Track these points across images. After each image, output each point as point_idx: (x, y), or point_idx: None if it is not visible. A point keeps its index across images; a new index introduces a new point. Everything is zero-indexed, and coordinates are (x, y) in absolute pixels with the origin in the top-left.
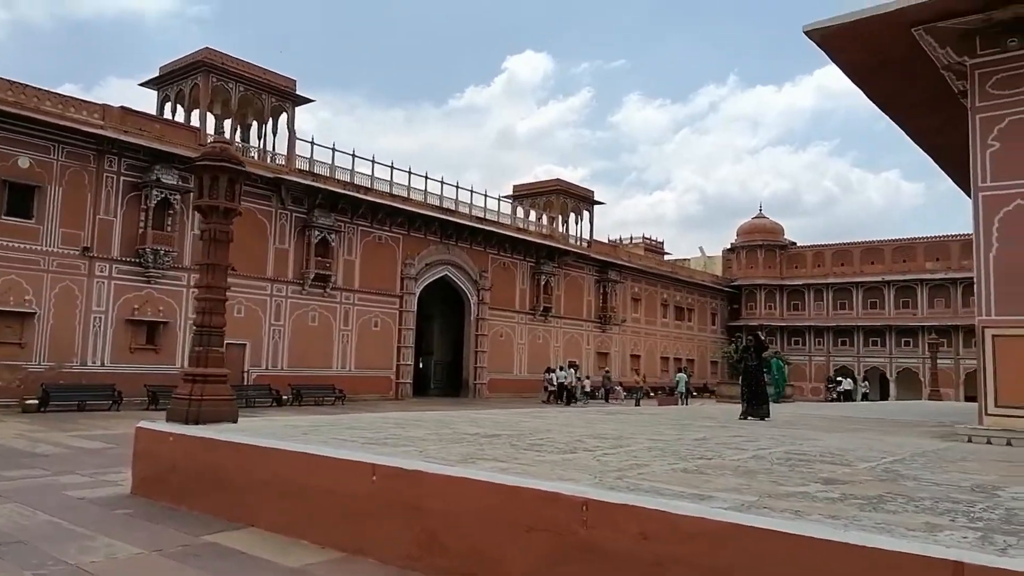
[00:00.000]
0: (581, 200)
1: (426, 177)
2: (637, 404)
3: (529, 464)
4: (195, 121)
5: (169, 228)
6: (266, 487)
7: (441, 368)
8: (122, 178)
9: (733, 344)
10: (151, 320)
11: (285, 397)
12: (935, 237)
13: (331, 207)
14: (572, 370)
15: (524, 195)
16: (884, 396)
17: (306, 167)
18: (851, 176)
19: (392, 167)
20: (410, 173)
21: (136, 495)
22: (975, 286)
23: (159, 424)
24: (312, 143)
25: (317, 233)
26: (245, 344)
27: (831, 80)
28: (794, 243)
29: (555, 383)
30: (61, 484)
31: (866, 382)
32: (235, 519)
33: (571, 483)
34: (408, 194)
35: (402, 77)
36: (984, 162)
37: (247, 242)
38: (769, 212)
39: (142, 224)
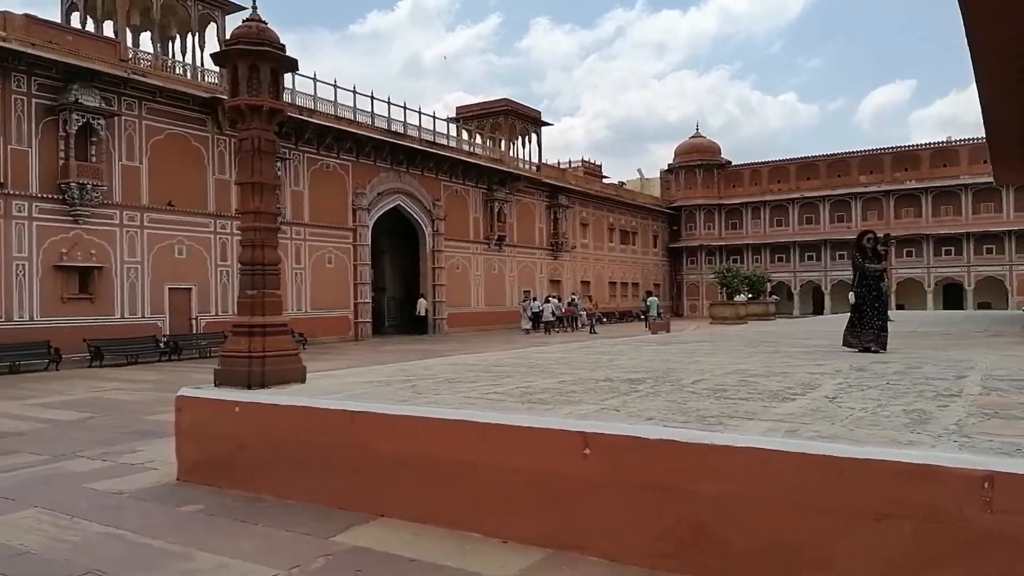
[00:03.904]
0: (529, 121)
1: (371, 97)
2: (592, 331)
3: (794, 420)
4: (108, 34)
5: (94, 158)
6: (401, 467)
7: (395, 304)
8: (34, 100)
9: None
10: (83, 265)
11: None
12: (869, 151)
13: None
14: (557, 300)
15: (469, 116)
16: (819, 310)
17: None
18: (751, 99)
19: (335, 86)
20: (355, 93)
21: (187, 482)
22: None
23: (211, 391)
24: None
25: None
26: (191, 288)
27: (734, 3)
28: (730, 162)
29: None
30: (73, 473)
31: (774, 296)
32: (351, 507)
33: (945, 450)
34: (354, 116)
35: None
36: None
37: (183, 173)
38: (677, 136)
39: (63, 154)
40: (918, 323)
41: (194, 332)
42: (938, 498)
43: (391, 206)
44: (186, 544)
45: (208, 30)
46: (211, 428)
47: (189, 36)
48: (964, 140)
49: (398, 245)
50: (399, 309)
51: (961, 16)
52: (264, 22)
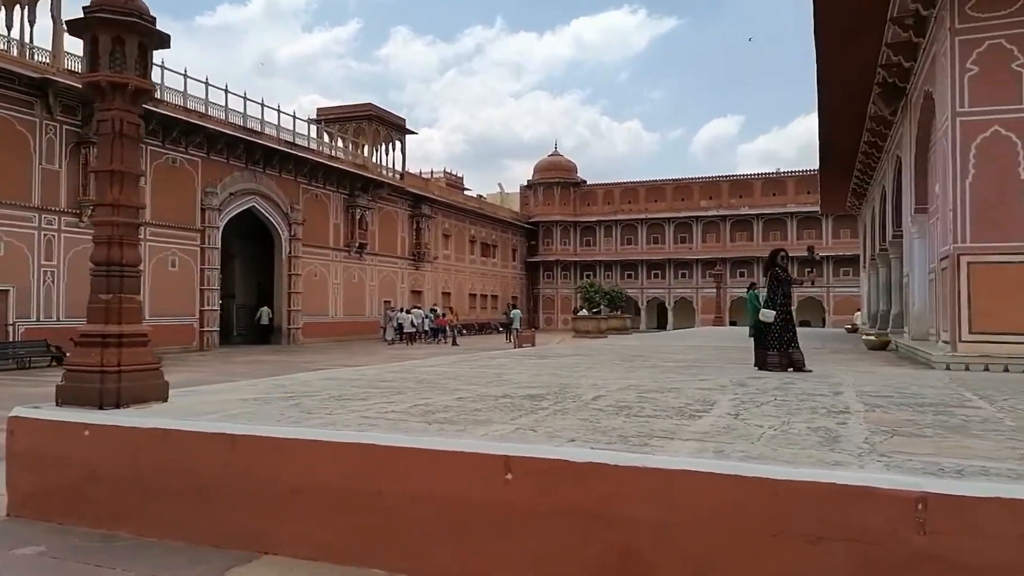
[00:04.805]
0: (394, 128)
1: (226, 91)
2: (454, 343)
3: (714, 439)
4: None
5: None
6: (291, 496)
7: (245, 313)
8: None
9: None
10: None
11: (68, 354)
12: (710, 178)
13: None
14: (419, 311)
15: (331, 119)
16: (662, 324)
17: (78, 68)
18: (601, 123)
19: (186, 75)
20: (207, 85)
21: (21, 517)
22: (947, 214)
23: (53, 411)
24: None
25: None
26: (8, 290)
27: (586, 32)
28: (585, 181)
29: (412, 324)
30: None
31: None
32: (230, 545)
33: (873, 471)
34: (206, 109)
35: None
36: (962, 87)
37: (4, 161)
38: (532, 154)
39: None
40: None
41: (11, 340)
42: (872, 520)
43: (245, 207)
44: None
45: (40, 4)
46: (53, 454)
47: (17, 9)
48: (790, 172)
49: (251, 249)
50: (249, 318)
51: (816, 59)
52: None
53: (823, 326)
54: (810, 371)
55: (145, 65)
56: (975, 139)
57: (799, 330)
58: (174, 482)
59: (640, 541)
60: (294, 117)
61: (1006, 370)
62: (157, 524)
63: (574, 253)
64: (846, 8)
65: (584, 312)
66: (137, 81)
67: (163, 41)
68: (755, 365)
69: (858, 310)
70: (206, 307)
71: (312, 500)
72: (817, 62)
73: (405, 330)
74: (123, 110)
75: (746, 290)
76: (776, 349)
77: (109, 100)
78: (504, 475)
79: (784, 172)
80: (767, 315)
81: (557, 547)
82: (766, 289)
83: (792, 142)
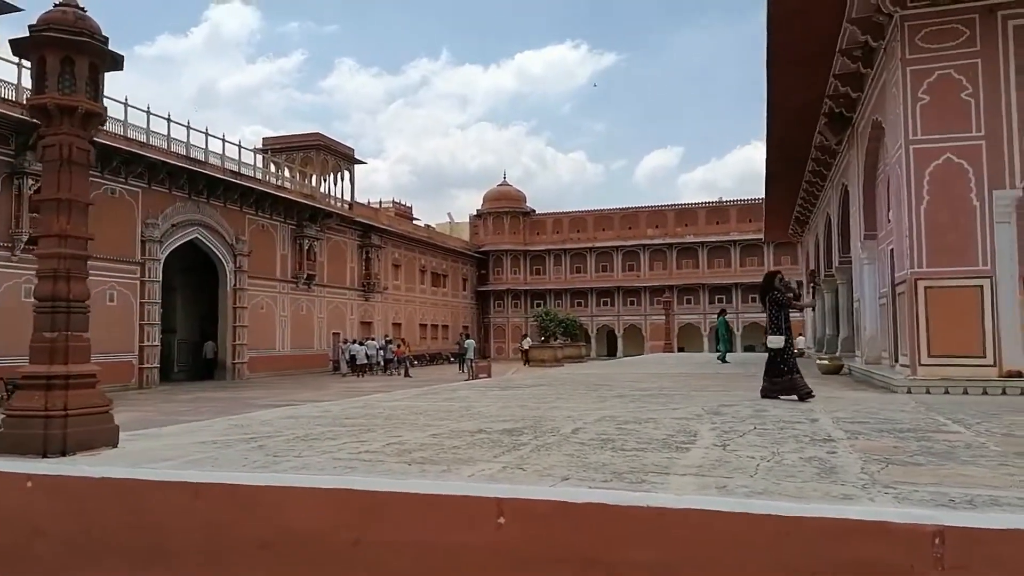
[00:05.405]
0: (342, 158)
1: (168, 120)
2: (406, 375)
3: (712, 474)
4: None
5: None
6: (261, 550)
7: (186, 348)
8: None
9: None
10: None
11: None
12: (656, 207)
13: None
14: (373, 342)
15: (278, 149)
16: (612, 352)
17: (11, 96)
18: (546, 154)
19: (126, 104)
20: (149, 114)
21: None
22: (903, 240)
23: None
24: (18, 64)
25: (32, 183)
26: None
27: (531, 65)
28: (534, 210)
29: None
30: None
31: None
32: None
33: (883, 504)
34: (147, 139)
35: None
36: (915, 115)
37: None
38: (479, 184)
39: None
40: (709, 364)
41: None
42: (887, 555)
43: (187, 239)
44: None
45: None
46: None
47: None
48: (733, 201)
49: (193, 282)
50: (190, 353)
51: (767, 89)
52: (82, 8)
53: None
54: (813, 397)
55: (96, 88)
56: (928, 166)
57: (745, 355)
58: (128, 538)
59: None
60: (239, 146)
61: (965, 392)
62: None
63: (524, 282)
64: (797, 40)
65: (528, 342)
66: (88, 104)
67: (115, 63)
68: (763, 395)
69: (800, 334)
70: (146, 343)
71: (282, 552)
72: (768, 92)
73: (358, 362)
74: (72, 135)
75: (717, 316)
76: (789, 375)
77: (57, 124)
78: (496, 519)
79: (727, 201)
80: (776, 341)
81: None
82: (766, 315)
83: (729, 172)
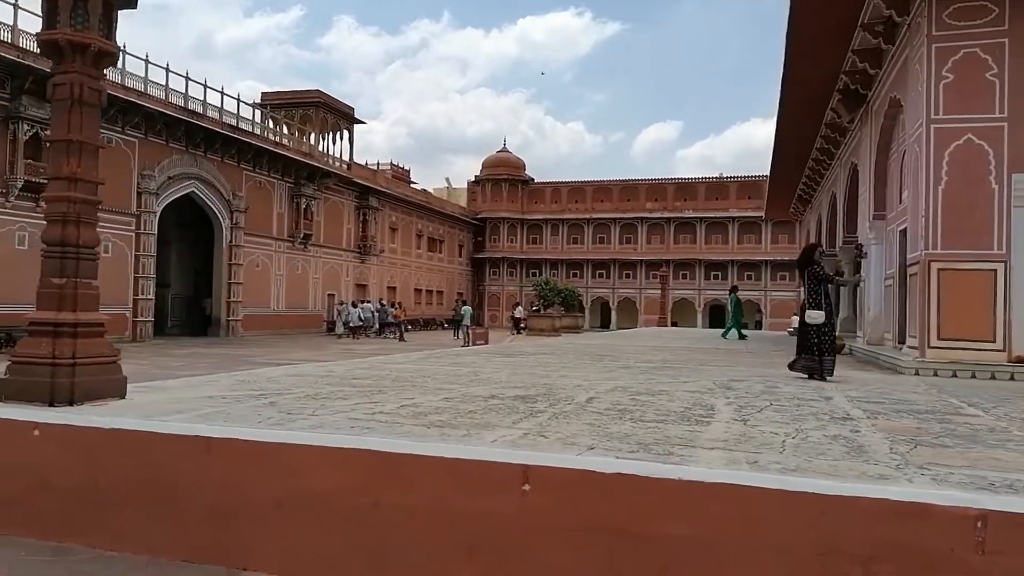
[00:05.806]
0: (342, 117)
1: (167, 70)
2: (401, 339)
3: (739, 448)
4: None
5: None
6: (274, 509)
7: (180, 303)
8: None
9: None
10: None
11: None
12: (656, 180)
13: (44, 94)
14: (369, 304)
15: (277, 104)
16: (606, 324)
17: (7, 37)
18: (545, 123)
19: (124, 51)
20: (147, 62)
21: None
22: (919, 220)
23: None
24: (14, 4)
25: (27, 128)
26: None
27: (533, 31)
28: (533, 179)
29: (359, 318)
30: None
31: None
32: (201, 560)
33: (923, 486)
34: (145, 88)
35: None
36: (937, 94)
37: None
38: (476, 151)
39: None
40: (707, 339)
41: None
42: (928, 539)
43: (184, 193)
44: None
45: None
46: None
47: None
48: (733, 177)
49: (189, 237)
50: (185, 308)
51: (783, 64)
52: None
53: (760, 328)
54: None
55: (109, 25)
56: (948, 147)
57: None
58: (138, 491)
59: (675, 560)
60: (238, 100)
61: (973, 376)
62: (118, 537)
63: (521, 250)
64: (818, 12)
65: (521, 311)
66: (101, 42)
67: (129, 0)
68: (805, 374)
69: (795, 314)
70: (140, 296)
71: (297, 513)
72: (784, 66)
73: (351, 324)
74: (84, 74)
75: (728, 293)
76: (829, 354)
77: (68, 62)
78: (522, 486)
79: (727, 177)
80: (815, 316)
81: (580, 567)
82: (804, 289)
83: (728, 148)
